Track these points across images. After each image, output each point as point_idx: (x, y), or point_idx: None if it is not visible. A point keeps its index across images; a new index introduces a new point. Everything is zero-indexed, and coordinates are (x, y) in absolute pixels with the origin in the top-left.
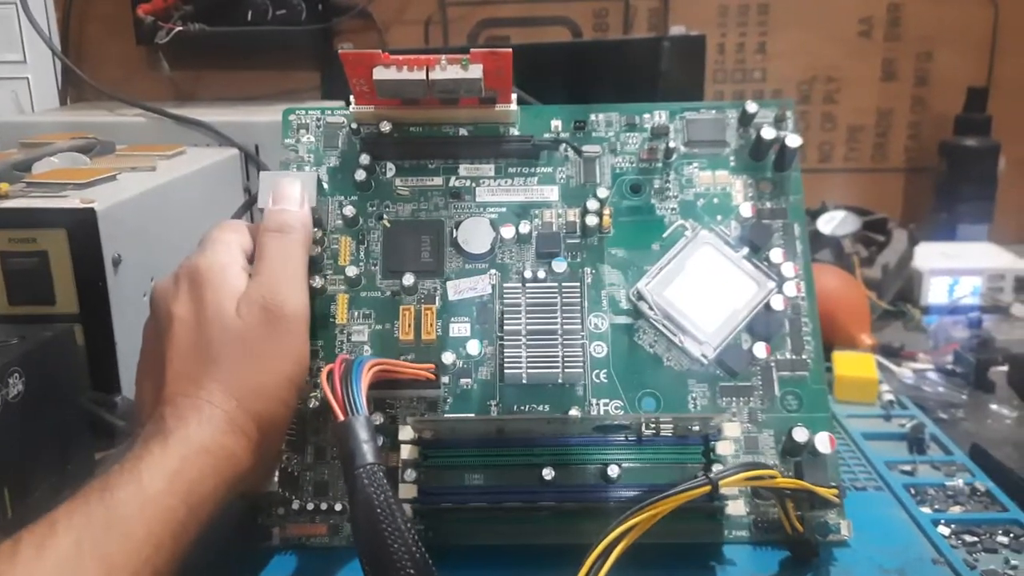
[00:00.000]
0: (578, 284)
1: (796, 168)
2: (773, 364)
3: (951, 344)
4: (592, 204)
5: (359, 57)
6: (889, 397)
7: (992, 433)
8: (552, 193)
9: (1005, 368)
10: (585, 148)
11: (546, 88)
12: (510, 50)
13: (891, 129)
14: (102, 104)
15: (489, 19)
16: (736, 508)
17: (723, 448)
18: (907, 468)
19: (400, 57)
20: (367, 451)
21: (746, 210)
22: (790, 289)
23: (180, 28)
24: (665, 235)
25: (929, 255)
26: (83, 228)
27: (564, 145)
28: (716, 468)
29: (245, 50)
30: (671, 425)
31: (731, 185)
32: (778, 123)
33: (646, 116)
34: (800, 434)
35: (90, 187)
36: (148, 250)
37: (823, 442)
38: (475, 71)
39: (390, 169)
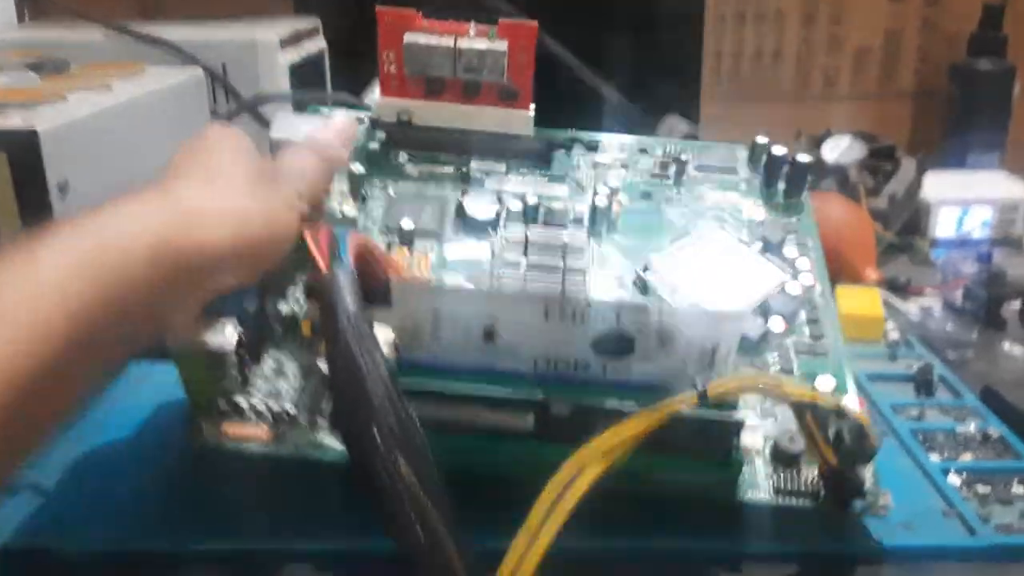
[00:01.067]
0: (582, 250)
1: (806, 193)
2: (791, 343)
3: (960, 279)
4: (603, 189)
5: (396, 19)
6: (895, 336)
7: (1004, 374)
8: (562, 190)
9: (1018, 304)
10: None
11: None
12: (535, 24)
13: (900, 51)
14: (62, 22)
15: None
16: (754, 440)
17: None
18: (914, 412)
19: (434, 22)
20: (351, 303)
21: (759, 214)
22: (806, 279)
23: None
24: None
25: (938, 185)
26: (24, 152)
27: (576, 144)
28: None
29: None
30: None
31: (742, 204)
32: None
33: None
34: (825, 381)
35: (36, 108)
36: (100, 176)
37: (852, 401)
38: (501, 44)
39: (403, 156)
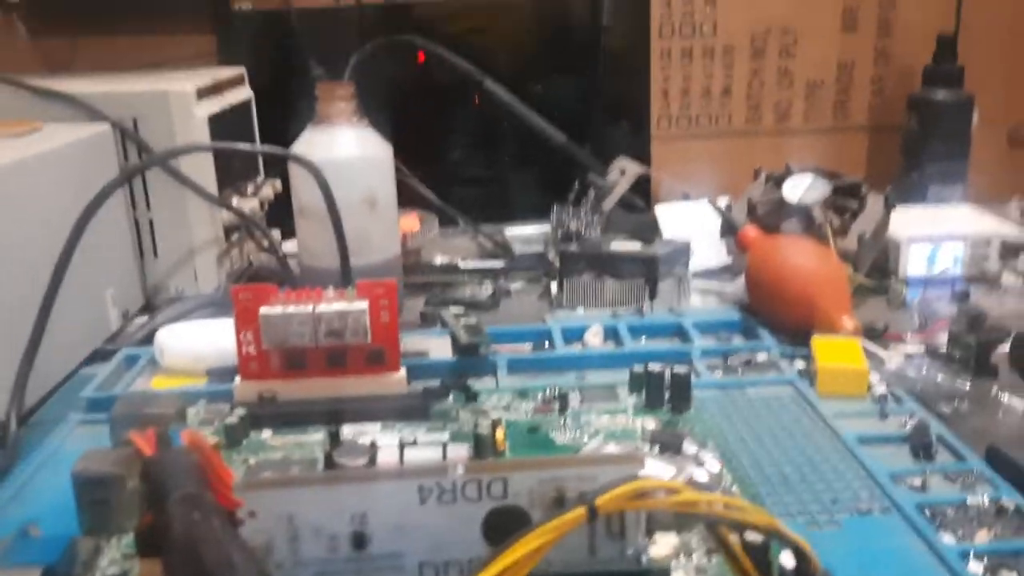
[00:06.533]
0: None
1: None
2: None
3: (939, 321)
4: (484, 422)
5: (252, 296)
6: (881, 390)
7: (1005, 429)
8: (442, 436)
9: (1007, 349)
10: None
11: (478, 49)
12: (395, 281)
13: (853, 84)
14: None
15: None
16: (665, 547)
17: None
18: (917, 482)
19: (289, 292)
20: (184, 480)
21: (650, 424)
22: (713, 466)
23: None
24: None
25: (905, 221)
26: None
27: (453, 393)
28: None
29: (126, 11)
30: None
31: (631, 424)
32: None
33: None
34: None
35: None
36: None
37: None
38: (360, 304)
39: (265, 432)
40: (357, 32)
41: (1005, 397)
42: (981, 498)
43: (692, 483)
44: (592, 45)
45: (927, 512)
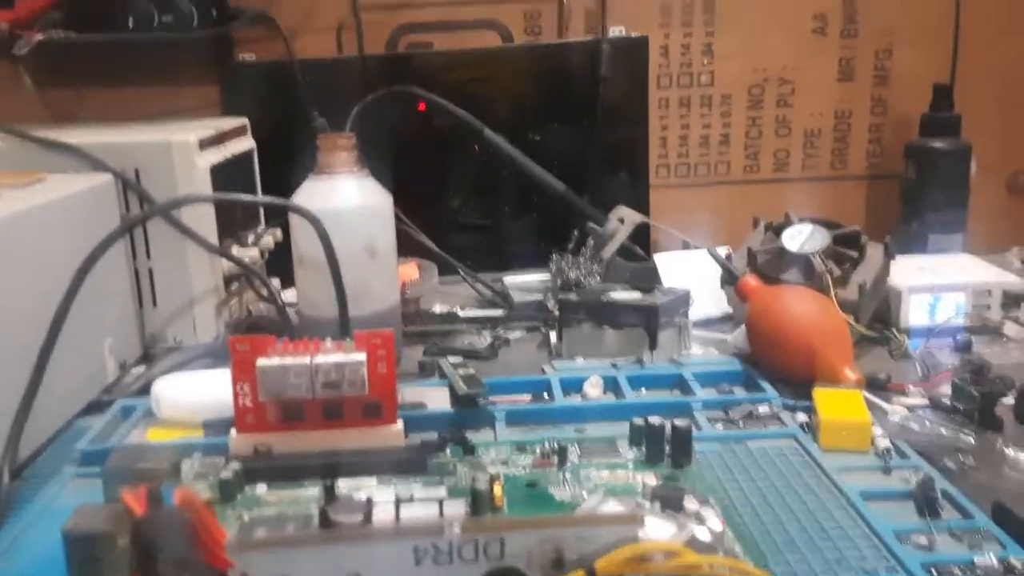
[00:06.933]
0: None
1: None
2: None
3: (942, 372)
4: (482, 479)
5: (250, 347)
6: (885, 443)
7: (1011, 485)
8: (440, 492)
9: (1010, 401)
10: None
11: (478, 99)
12: (392, 331)
13: (851, 133)
14: None
15: (409, 24)
16: None
17: None
18: (923, 540)
19: (287, 343)
20: (175, 541)
21: (651, 479)
22: (715, 524)
23: (41, 37)
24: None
25: (905, 271)
26: None
27: (450, 446)
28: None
29: (132, 63)
30: None
31: (631, 479)
32: None
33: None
34: None
35: None
36: None
37: None
38: (358, 355)
39: (260, 487)
40: (359, 82)
41: (1010, 451)
42: (989, 557)
43: (694, 541)
44: (591, 95)
45: (934, 572)
